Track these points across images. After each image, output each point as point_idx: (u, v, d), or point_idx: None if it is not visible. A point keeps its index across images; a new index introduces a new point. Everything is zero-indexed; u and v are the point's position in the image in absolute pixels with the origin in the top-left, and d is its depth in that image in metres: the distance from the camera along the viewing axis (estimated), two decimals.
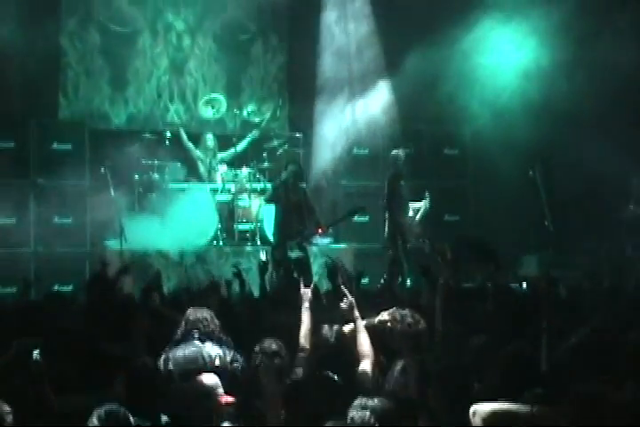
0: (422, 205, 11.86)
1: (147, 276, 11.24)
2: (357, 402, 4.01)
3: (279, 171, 11.94)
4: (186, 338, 5.75)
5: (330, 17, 13.65)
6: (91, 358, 5.26)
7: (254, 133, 12.87)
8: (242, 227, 12.40)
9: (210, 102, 13.22)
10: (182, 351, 5.56)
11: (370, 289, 9.56)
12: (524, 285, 10.25)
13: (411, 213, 11.77)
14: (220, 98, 13.33)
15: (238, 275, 8.08)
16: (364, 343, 5.19)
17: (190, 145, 12.68)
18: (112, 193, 11.40)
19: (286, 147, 12.97)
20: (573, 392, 3.90)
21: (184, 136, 12.66)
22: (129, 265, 8.30)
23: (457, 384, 4.50)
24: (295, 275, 10.94)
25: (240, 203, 12.44)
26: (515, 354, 4.55)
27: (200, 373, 4.84)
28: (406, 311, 5.32)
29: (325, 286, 8.34)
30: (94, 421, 3.92)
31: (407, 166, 11.99)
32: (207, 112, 13.22)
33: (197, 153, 12.67)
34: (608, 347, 4.83)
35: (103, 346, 5.55)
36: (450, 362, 4.92)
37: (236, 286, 8.17)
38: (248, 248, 12.14)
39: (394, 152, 11.91)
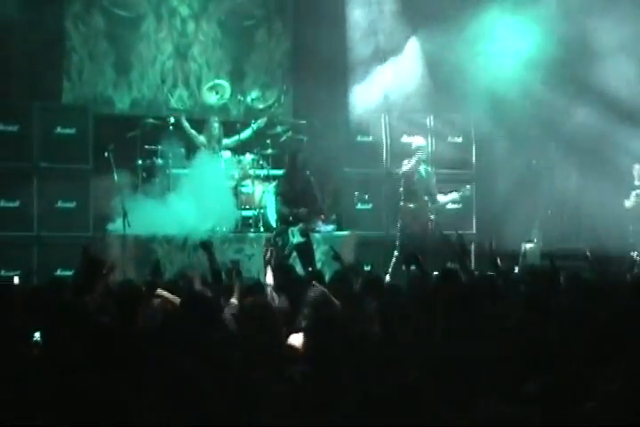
0: (449, 198, 11.94)
1: (148, 261, 11.32)
2: None
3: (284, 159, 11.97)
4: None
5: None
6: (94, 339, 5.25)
7: (260, 122, 12.77)
8: (245, 213, 12.38)
9: (214, 88, 13.18)
10: None
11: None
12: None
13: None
14: (225, 84, 13.29)
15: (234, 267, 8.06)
16: None
17: (193, 132, 12.61)
18: (115, 178, 11.39)
19: (290, 133, 12.94)
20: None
21: (186, 124, 12.58)
22: (112, 265, 8.12)
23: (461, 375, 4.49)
24: (289, 262, 11.05)
25: (243, 189, 12.42)
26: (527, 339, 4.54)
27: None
28: None
29: (328, 272, 8.36)
30: None
31: (404, 154, 12.11)
32: (211, 98, 13.19)
33: (201, 139, 12.58)
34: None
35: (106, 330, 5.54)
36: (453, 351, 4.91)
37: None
38: (251, 235, 12.13)
39: (416, 143, 11.96)
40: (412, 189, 11.67)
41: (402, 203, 11.78)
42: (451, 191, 12.08)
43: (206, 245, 7.73)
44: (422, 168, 11.84)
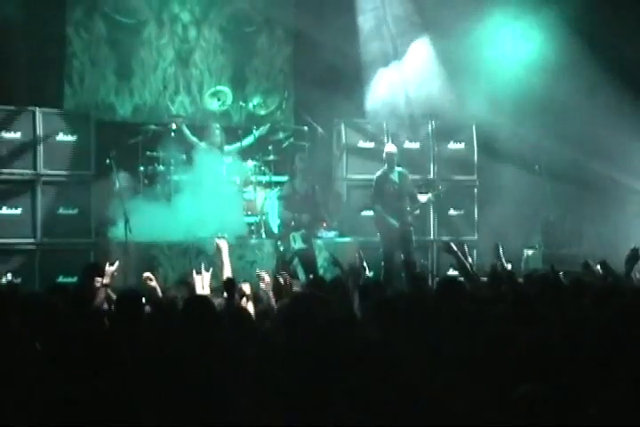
0: (424, 199, 11.97)
1: (150, 266, 11.33)
2: None
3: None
4: None
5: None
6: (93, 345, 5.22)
7: (262, 130, 12.77)
8: (247, 219, 12.36)
9: (216, 94, 13.17)
10: None
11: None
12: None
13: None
14: (226, 90, 13.28)
15: None
16: None
17: (194, 139, 12.60)
18: (117, 184, 11.39)
19: (292, 140, 12.94)
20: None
21: (187, 131, 12.58)
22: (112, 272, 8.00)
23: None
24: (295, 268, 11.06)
25: (245, 195, 12.41)
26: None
27: None
28: None
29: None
30: None
31: (406, 161, 12.14)
32: (213, 104, 13.18)
33: (202, 146, 12.55)
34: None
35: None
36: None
37: None
38: (253, 241, 12.12)
39: (387, 149, 12.07)
40: (382, 198, 11.71)
41: (378, 213, 11.83)
42: (426, 192, 12.08)
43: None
44: (395, 174, 11.84)
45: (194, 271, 7.37)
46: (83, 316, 6.19)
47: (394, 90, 13.68)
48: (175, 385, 4.35)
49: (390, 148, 12.13)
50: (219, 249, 7.63)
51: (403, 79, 13.69)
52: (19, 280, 10.50)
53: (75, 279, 10.69)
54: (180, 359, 4.63)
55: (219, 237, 7.98)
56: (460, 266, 7.66)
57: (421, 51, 13.65)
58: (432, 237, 13.12)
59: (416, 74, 13.63)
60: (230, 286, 6.63)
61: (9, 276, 8.49)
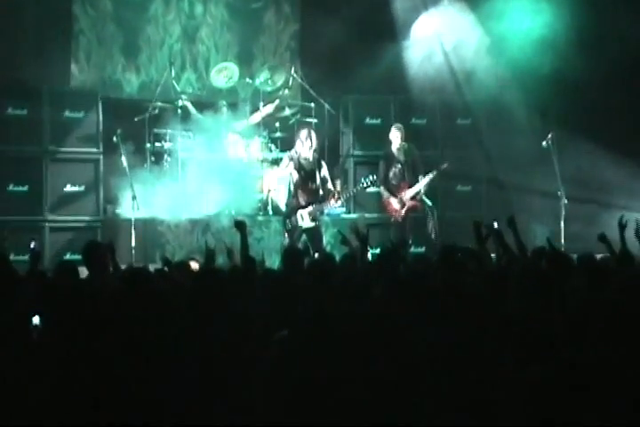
0: (427, 179, 11.98)
1: (157, 243, 11.36)
2: None
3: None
4: None
5: None
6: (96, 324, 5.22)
7: (270, 111, 12.78)
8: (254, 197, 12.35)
9: (222, 71, 13.11)
10: None
11: None
12: None
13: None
14: (233, 66, 13.22)
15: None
16: None
17: (200, 116, 12.58)
18: (124, 161, 11.39)
19: (298, 116, 12.91)
20: None
21: (192, 108, 12.57)
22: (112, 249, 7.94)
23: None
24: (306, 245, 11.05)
25: (252, 172, 12.40)
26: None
27: None
28: None
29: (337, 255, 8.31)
30: None
31: (413, 137, 12.16)
32: (219, 80, 13.12)
33: (209, 123, 12.51)
34: None
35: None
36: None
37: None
38: (260, 218, 12.13)
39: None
40: (391, 180, 11.89)
41: (384, 196, 12.00)
42: (431, 171, 12.06)
43: (240, 226, 7.28)
44: (401, 152, 11.90)
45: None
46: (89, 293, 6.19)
47: (401, 66, 13.62)
48: (186, 367, 4.32)
49: (396, 125, 12.17)
50: (239, 228, 7.38)
51: (410, 55, 13.64)
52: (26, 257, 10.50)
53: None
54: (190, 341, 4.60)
55: (238, 217, 7.90)
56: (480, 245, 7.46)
57: (428, 26, 13.59)
58: (438, 212, 13.09)
59: (423, 50, 13.58)
60: (251, 265, 6.55)
61: (32, 244, 8.55)
